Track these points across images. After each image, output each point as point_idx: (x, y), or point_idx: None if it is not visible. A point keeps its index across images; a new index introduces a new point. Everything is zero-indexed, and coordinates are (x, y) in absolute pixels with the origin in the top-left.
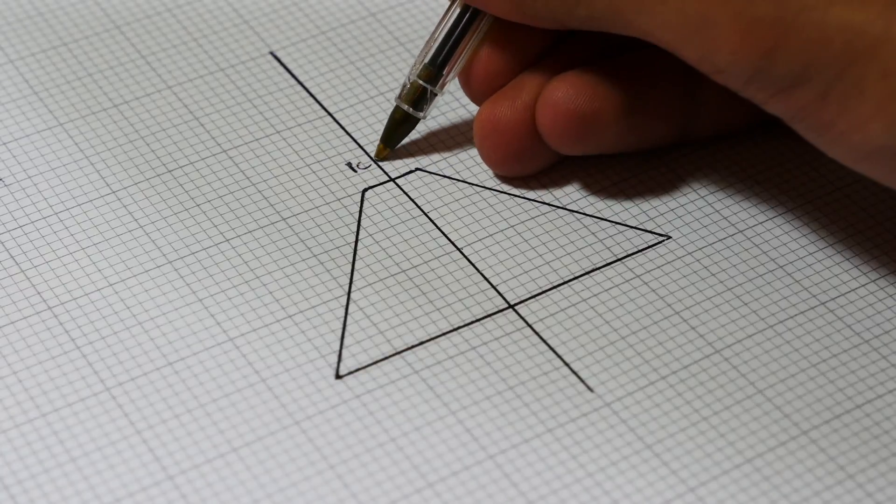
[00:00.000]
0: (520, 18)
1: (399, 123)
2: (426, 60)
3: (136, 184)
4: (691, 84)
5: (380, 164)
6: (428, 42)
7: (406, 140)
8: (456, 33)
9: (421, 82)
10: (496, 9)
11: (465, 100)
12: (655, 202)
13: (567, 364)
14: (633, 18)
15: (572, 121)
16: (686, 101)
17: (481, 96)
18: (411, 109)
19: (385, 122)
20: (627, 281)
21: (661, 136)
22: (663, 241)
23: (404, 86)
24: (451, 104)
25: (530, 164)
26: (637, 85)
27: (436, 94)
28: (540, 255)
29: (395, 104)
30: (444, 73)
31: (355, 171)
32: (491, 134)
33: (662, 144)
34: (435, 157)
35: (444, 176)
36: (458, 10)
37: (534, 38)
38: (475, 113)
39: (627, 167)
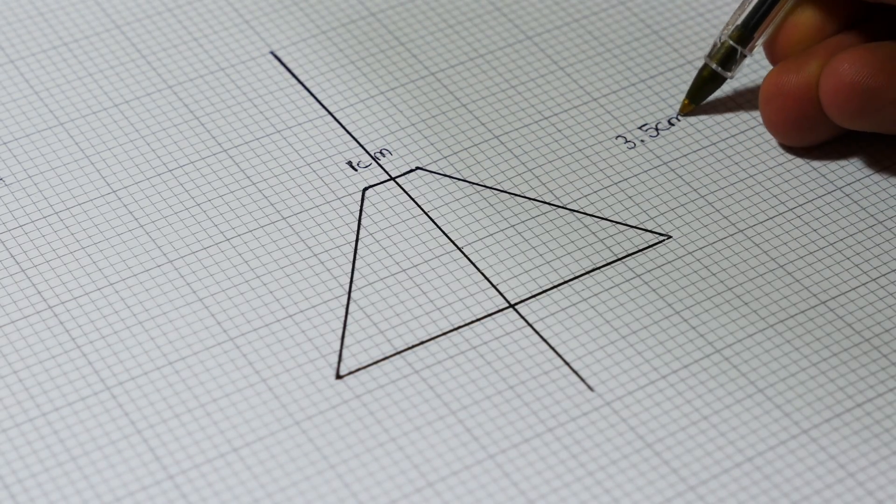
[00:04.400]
0: None
1: (706, 81)
2: (739, 22)
3: (136, 183)
4: None
5: (381, 164)
6: (742, 4)
7: (408, 141)
8: None
9: (732, 43)
10: None
11: (466, 99)
12: (655, 202)
13: (567, 363)
14: None
15: (854, 93)
16: None
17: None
18: (720, 69)
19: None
20: (627, 280)
21: None
22: (663, 240)
23: (715, 45)
24: (451, 103)
25: (811, 135)
26: None
27: (745, 56)
28: (540, 255)
29: (704, 62)
30: (754, 35)
31: (356, 170)
32: (773, 98)
33: None
34: (435, 156)
35: (445, 175)
36: None
37: (846, 9)
38: (477, 114)
39: (628, 167)
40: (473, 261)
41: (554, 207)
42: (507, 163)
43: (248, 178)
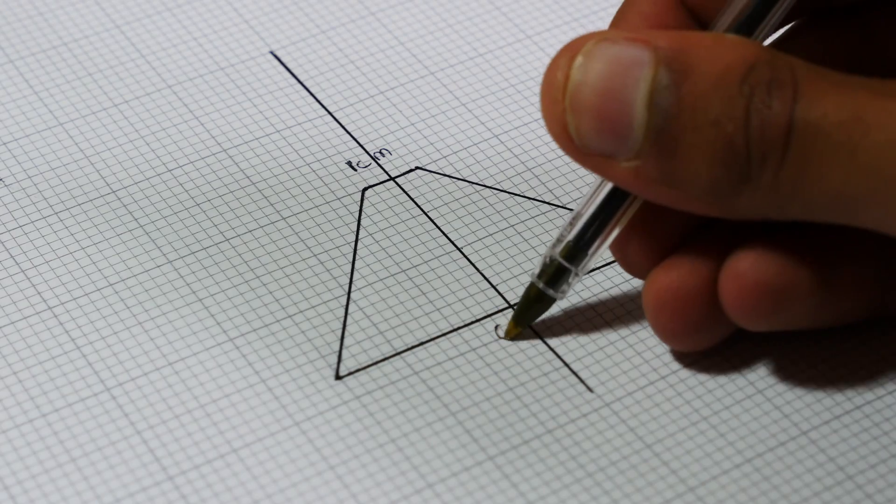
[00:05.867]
0: (718, 215)
1: (533, 302)
2: (570, 238)
3: (136, 183)
4: (888, 256)
5: (381, 164)
6: (573, 220)
7: (408, 141)
8: (606, 212)
9: (562, 261)
10: (691, 208)
11: (466, 98)
12: None
13: (567, 364)
14: (862, 212)
15: (761, 294)
16: (883, 275)
17: (644, 272)
18: (549, 290)
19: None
20: (627, 281)
21: (850, 313)
22: None
23: (543, 262)
24: (451, 102)
25: (710, 337)
26: (829, 258)
27: (577, 275)
28: (540, 255)
29: (531, 281)
30: (587, 252)
31: (355, 170)
32: (670, 303)
33: (849, 322)
34: (435, 156)
35: (445, 175)
36: (608, 188)
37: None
38: (477, 113)
39: None
40: (473, 261)
41: (554, 207)
42: (506, 162)
43: (248, 178)
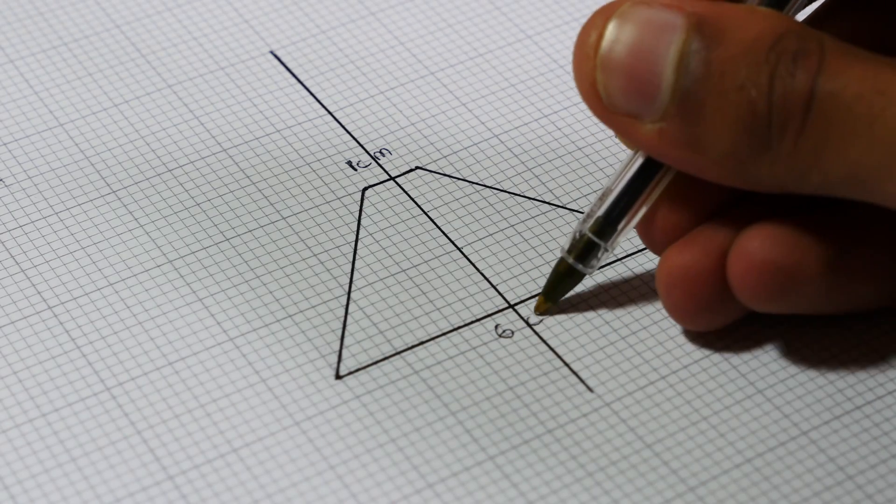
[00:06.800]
0: (739, 185)
1: (563, 277)
2: (600, 214)
3: (136, 183)
4: None
5: (381, 164)
6: (603, 195)
7: (408, 141)
8: (635, 188)
9: (591, 236)
10: (712, 175)
11: (466, 98)
12: None
13: (567, 364)
14: (879, 186)
15: (768, 274)
16: None
17: (664, 248)
18: (579, 265)
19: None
20: (627, 281)
21: (866, 299)
22: None
23: (573, 238)
24: (451, 102)
25: (721, 317)
26: (842, 240)
27: (606, 251)
28: (540, 255)
29: (559, 256)
30: (617, 228)
31: (355, 170)
32: (681, 282)
33: (867, 308)
34: (435, 155)
35: (445, 175)
36: (638, 164)
37: (721, 187)
38: (477, 113)
39: None
40: (473, 261)
41: (554, 207)
42: (506, 162)
43: (248, 177)
